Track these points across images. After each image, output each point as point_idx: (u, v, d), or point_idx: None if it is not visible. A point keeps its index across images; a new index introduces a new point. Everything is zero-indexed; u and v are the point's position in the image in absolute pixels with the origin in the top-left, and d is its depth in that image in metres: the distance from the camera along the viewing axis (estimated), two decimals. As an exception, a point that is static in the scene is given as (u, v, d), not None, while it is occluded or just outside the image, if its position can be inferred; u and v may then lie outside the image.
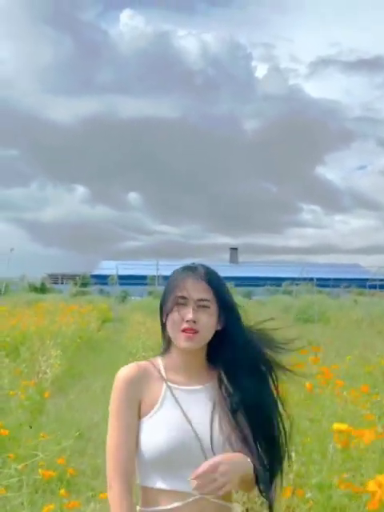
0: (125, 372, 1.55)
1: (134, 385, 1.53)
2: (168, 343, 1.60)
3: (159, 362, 1.60)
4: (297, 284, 33.06)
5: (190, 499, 1.44)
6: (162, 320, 1.59)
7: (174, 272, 1.61)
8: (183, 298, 1.53)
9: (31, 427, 5.52)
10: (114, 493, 1.46)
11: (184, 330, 1.51)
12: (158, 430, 1.47)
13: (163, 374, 1.56)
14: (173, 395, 1.52)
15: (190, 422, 1.47)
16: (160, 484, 1.47)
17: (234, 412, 1.50)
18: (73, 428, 5.70)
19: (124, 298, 36.09)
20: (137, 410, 1.51)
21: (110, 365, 10.72)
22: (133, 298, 36.34)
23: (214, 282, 1.56)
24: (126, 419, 1.50)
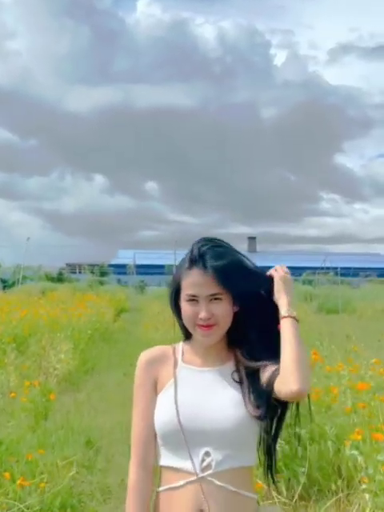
0: (144, 354, 1.58)
1: (150, 365, 1.55)
2: (186, 331, 1.57)
3: (181, 346, 1.60)
4: (318, 273, 32.15)
5: (192, 478, 1.43)
6: (175, 311, 1.57)
7: (181, 265, 1.53)
8: (194, 295, 1.48)
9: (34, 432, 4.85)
10: (130, 475, 1.52)
11: (200, 326, 1.49)
12: (160, 409, 1.49)
13: (179, 356, 1.56)
14: (182, 377, 1.52)
15: (183, 405, 1.46)
16: (166, 461, 1.48)
17: (254, 392, 1.46)
18: (82, 435, 5.01)
19: (142, 288, 35.53)
20: (153, 390, 1.53)
21: (126, 358, 10.03)
22: (151, 287, 35.76)
23: (222, 273, 1.46)
24: (142, 401, 1.54)
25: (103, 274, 41.84)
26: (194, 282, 1.48)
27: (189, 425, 1.44)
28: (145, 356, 1.57)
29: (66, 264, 48.32)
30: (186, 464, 1.44)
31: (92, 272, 40.95)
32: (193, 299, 1.48)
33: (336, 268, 27.92)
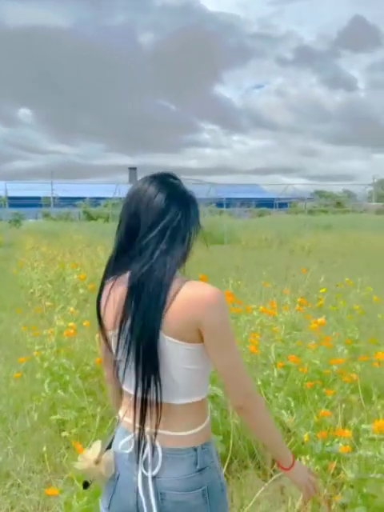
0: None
1: None
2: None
3: None
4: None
5: None
6: (188, 247, 1.49)
7: (196, 205, 1.52)
8: None
9: None
10: (263, 404, 1.49)
11: None
12: None
13: None
14: None
15: None
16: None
17: None
18: None
19: (17, 221, 33.17)
20: None
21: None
22: (27, 220, 33.56)
23: None
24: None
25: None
26: None
27: None
28: None
29: None
30: None
31: None
32: None
33: (221, 198, 27.74)
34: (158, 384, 1.39)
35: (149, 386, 1.40)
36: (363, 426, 2.28)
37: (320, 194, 58.79)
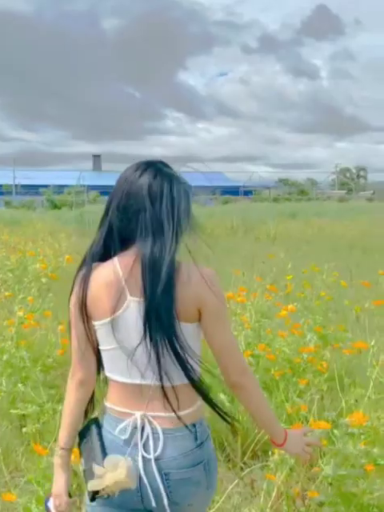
0: None
1: None
2: None
3: None
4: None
5: None
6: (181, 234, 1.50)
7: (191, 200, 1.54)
8: None
9: None
10: (257, 381, 1.55)
11: None
12: None
13: None
14: None
15: None
16: None
17: None
18: None
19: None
20: None
21: None
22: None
23: None
24: None
25: None
26: None
27: None
28: None
29: None
30: None
31: None
32: None
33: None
34: (188, 367, 1.40)
35: (166, 372, 1.40)
36: (341, 420, 2.19)
37: (284, 182, 59.20)
